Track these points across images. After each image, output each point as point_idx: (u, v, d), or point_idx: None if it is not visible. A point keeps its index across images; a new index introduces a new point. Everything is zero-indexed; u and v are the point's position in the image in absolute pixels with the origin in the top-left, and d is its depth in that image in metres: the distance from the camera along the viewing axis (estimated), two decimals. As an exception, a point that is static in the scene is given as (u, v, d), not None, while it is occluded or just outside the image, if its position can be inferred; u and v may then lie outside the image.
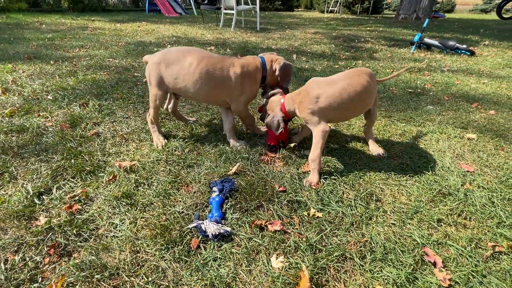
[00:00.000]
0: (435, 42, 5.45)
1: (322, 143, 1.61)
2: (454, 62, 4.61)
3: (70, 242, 1.19)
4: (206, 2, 12.54)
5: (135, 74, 3.39)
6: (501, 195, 1.55)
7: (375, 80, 1.79)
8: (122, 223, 1.30)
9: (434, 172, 1.75)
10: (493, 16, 12.93)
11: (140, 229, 1.27)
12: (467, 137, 2.17)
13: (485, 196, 1.54)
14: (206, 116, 2.38)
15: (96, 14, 10.67)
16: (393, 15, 13.29)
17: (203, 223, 1.25)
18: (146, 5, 12.32)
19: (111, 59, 4.01)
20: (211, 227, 1.23)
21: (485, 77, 3.79)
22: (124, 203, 1.40)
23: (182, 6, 12.83)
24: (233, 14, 7.42)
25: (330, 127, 1.71)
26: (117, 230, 1.26)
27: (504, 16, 12.01)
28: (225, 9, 7.68)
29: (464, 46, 5.28)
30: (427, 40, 5.55)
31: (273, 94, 1.88)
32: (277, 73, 1.90)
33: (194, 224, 1.25)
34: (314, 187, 1.55)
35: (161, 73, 1.81)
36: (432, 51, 5.52)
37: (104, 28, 7.17)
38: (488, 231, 1.33)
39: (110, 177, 1.57)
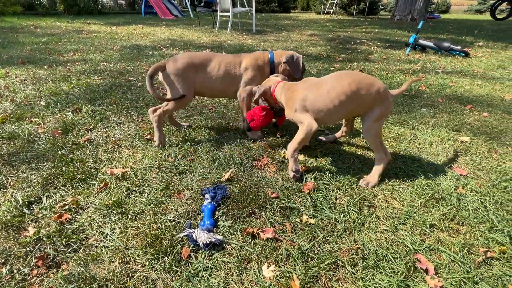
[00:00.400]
0: (430, 44, 5.48)
1: (304, 138, 1.61)
2: (448, 64, 4.63)
3: (59, 253, 1.18)
4: (202, 4, 12.55)
5: (130, 78, 3.38)
6: (493, 199, 1.55)
7: (374, 91, 1.56)
8: (113, 232, 1.29)
9: (427, 176, 1.75)
10: (487, 16, 13.05)
11: (130, 238, 1.26)
12: (460, 140, 2.18)
13: (478, 200, 1.54)
14: (200, 121, 2.38)
15: (92, 17, 10.64)
16: (389, 16, 13.36)
17: (194, 231, 1.24)
18: (142, 7, 12.31)
19: (105, 63, 3.99)
20: (202, 236, 1.22)
21: (479, 79, 3.81)
22: (115, 212, 1.39)
23: (178, 9, 12.82)
24: (229, 16, 7.42)
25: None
26: (107, 240, 1.25)
27: (498, 16, 12.12)
28: (221, 11, 7.69)
29: (459, 47, 5.31)
30: (422, 41, 5.58)
31: (261, 96, 1.90)
32: (282, 66, 2.09)
33: (185, 233, 1.24)
34: (293, 174, 1.66)
35: (189, 77, 1.93)
36: (427, 52, 5.55)
37: (99, 31, 7.15)
38: (480, 236, 1.33)
39: (102, 185, 1.56)
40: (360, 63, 4.64)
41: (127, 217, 1.37)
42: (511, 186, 1.67)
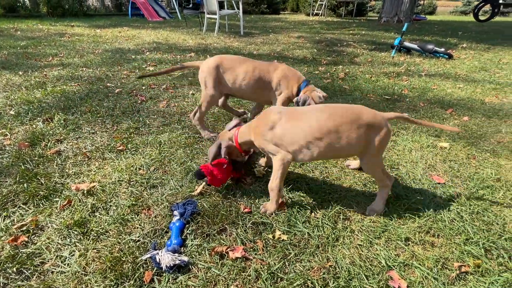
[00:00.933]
0: (414, 46, 5.53)
1: (282, 172, 1.42)
2: (432, 66, 4.67)
3: (9, 281, 1.10)
4: (190, 6, 12.42)
5: (108, 84, 3.28)
6: (470, 208, 1.53)
7: (363, 125, 1.33)
8: (71, 255, 1.21)
9: (405, 186, 1.72)
10: (472, 17, 13.30)
11: (90, 262, 1.18)
12: (439, 146, 2.16)
13: (454, 210, 1.52)
14: (177, 129, 2.30)
15: (76, 19, 10.40)
16: (377, 18, 13.50)
17: (158, 253, 1.17)
18: (129, 9, 12.11)
19: (84, 68, 3.87)
20: (165, 258, 1.15)
21: (461, 81, 3.84)
22: (76, 232, 1.31)
23: (166, 10, 12.67)
24: (216, 18, 7.35)
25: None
26: (64, 265, 1.17)
27: (481, 18, 12.37)
28: (208, 13, 7.61)
29: (442, 49, 5.36)
30: (406, 43, 5.62)
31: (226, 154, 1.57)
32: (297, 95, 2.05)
33: (148, 255, 1.18)
34: (268, 216, 1.45)
35: (219, 76, 2.04)
36: (412, 54, 5.59)
37: (82, 34, 6.98)
38: (455, 249, 1.30)
39: (65, 203, 1.48)
40: (346, 66, 4.64)
41: (89, 237, 1.29)
42: (488, 194, 1.66)
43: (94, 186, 1.60)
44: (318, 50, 5.86)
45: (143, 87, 3.23)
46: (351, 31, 9.01)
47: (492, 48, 6.31)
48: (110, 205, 1.49)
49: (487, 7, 12.77)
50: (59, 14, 10.85)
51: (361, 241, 1.33)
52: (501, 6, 12.53)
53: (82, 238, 1.29)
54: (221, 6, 7.40)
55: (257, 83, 2.04)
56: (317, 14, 16.77)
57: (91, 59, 4.40)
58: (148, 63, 4.28)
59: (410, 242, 1.33)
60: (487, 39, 7.73)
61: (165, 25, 9.33)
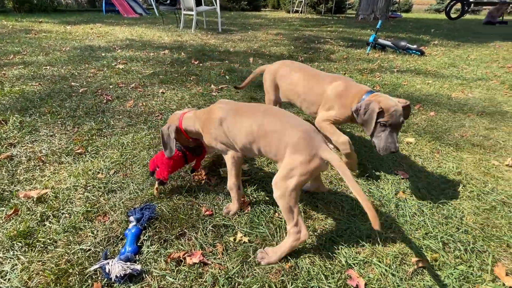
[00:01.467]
0: (388, 43, 5.64)
1: (236, 170, 1.38)
2: (404, 63, 4.78)
3: None
4: (167, 2, 12.12)
5: (73, 83, 3.11)
6: (430, 203, 1.56)
7: (287, 140, 1.17)
8: (13, 270, 1.12)
9: (370, 182, 1.73)
10: (445, 15, 13.79)
11: (33, 276, 1.10)
12: (406, 141, 2.20)
13: (415, 205, 1.54)
14: (142, 130, 2.21)
15: (45, 15, 9.88)
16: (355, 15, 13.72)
17: (108, 263, 1.11)
18: (103, 5, 11.65)
19: (48, 67, 3.66)
20: (116, 268, 1.08)
21: (431, 77, 3.95)
22: (20, 244, 1.22)
23: (142, 6, 12.28)
24: (193, 15, 7.19)
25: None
26: (4, 280, 1.08)
27: (452, 16, 12.85)
28: (185, 10, 7.43)
29: (415, 46, 5.50)
30: (381, 40, 5.73)
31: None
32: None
33: (97, 266, 1.11)
34: (230, 217, 1.41)
35: (275, 82, 2.01)
36: (386, 51, 5.70)
37: (51, 31, 6.63)
38: (415, 243, 1.32)
39: (11, 212, 1.37)
40: (321, 62, 4.66)
41: (34, 249, 1.20)
42: (449, 188, 1.69)
43: (46, 192, 1.50)
44: (296, 47, 5.86)
45: (111, 86, 3.09)
46: (329, 28, 9.10)
47: (461, 45, 6.55)
48: (62, 213, 1.40)
49: (459, 5, 13.27)
50: (26, 9, 10.27)
51: (324, 240, 1.32)
52: (471, 4, 13.07)
53: (27, 250, 1.20)
54: (198, 3, 7.25)
55: (307, 94, 1.82)
56: (297, 11, 16.85)
57: (57, 57, 4.17)
58: (119, 60, 4.11)
59: (371, 239, 1.33)
60: (457, 36, 8.02)
61: (141, 22, 9.04)
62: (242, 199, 1.47)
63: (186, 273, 1.13)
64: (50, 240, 1.25)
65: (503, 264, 1.23)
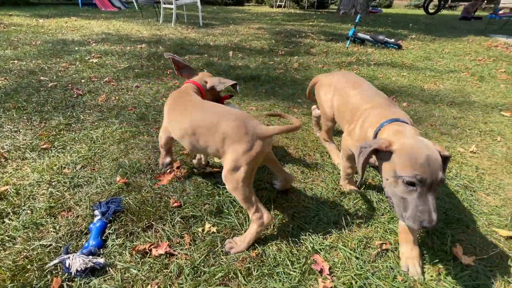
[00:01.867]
0: (367, 37, 5.73)
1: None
2: (381, 56, 4.87)
3: None
4: (147, -5, 11.77)
5: (41, 78, 2.99)
6: (397, 189, 1.60)
7: (221, 130, 1.16)
8: (-34, 269, 1.07)
9: (338, 169, 1.76)
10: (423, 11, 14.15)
11: (-12, 274, 1.05)
12: (378, 131, 2.25)
13: (382, 191, 1.58)
14: (113, 124, 2.15)
15: (16, 8, 9.40)
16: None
17: (68, 257, 1.08)
18: (79, -2, 11.20)
19: (16, 61, 3.49)
20: (76, 262, 1.06)
21: (406, 70, 4.05)
22: (-25, 242, 1.16)
23: (121, 0, 11.90)
24: (172, 8, 7.04)
25: None
26: (-44, 280, 1.03)
27: (430, 11, 13.20)
28: (164, 3, 7.26)
29: (393, 40, 5.62)
30: (360, 34, 5.81)
31: None
32: None
33: (57, 261, 1.08)
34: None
35: (329, 96, 1.74)
36: (365, 45, 5.79)
37: (21, 24, 6.32)
38: (380, 228, 1.36)
39: (-33, 210, 1.31)
40: (301, 56, 4.68)
41: (-10, 247, 1.15)
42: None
43: (6, 189, 1.44)
44: (276, 41, 5.85)
45: (82, 80, 2.98)
46: (310, 23, 9.14)
47: (437, 39, 6.74)
48: (24, 209, 1.35)
49: (436, 1, 13.65)
50: (-5, 2, 9.73)
51: (292, 228, 1.33)
52: (448, 0, 13.45)
53: (-18, 248, 1.15)
54: (178, -5, 7.09)
55: (344, 114, 1.59)
56: (280, 6, 16.81)
57: (26, 51, 3.99)
58: (93, 54, 3.98)
59: (338, 225, 1.36)
60: (434, 30, 8.25)
61: (119, 16, 8.77)
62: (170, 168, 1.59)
63: (151, 265, 1.12)
64: (8, 237, 1.20)
65: (460, 244, 1.28)
